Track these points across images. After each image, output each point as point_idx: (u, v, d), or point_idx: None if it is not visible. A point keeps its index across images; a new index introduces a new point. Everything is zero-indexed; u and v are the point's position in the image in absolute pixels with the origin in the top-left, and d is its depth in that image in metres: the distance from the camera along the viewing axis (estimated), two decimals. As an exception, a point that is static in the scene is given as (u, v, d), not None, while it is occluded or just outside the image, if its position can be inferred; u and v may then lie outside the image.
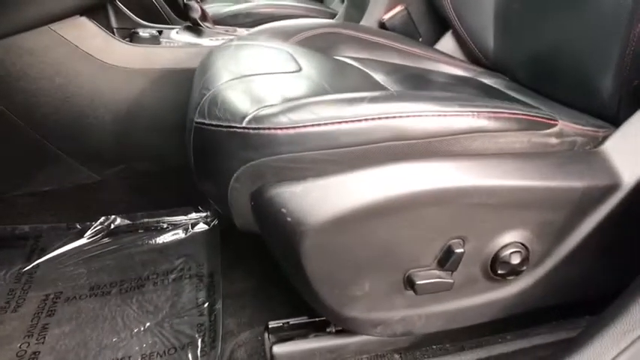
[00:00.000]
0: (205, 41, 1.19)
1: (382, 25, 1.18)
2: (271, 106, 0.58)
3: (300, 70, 0.75)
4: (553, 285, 0.69)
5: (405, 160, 0.56)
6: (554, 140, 0.64)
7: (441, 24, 1.18)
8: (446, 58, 1.08)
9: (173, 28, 1.25)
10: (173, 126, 1.06)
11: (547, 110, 0.68)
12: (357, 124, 0.54)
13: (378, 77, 0.86)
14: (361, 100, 0.56)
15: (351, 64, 0.92)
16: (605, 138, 0.68)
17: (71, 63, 0.98)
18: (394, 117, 0.55)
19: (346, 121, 0.54)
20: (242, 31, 1.28)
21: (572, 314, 0.81)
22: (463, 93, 0.82)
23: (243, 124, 0.56)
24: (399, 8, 1.17)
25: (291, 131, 0.54)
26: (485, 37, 1.06)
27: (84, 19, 0.99)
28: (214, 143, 0.60)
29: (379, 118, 0.54)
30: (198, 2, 1.25)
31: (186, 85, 0.79)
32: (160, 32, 1.20)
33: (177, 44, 1.14)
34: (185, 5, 1.22)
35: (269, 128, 0.55)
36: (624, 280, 0.60)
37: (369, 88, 0.79)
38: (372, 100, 0.56)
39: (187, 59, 1.06)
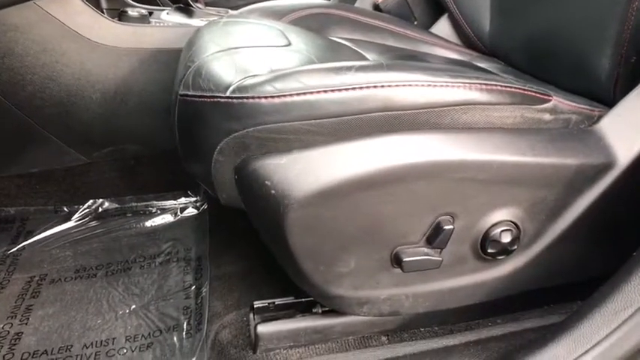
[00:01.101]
0: (196, 22, 1.17)
1: (377, 8, 1.16)
2: (256, 75, 0.56)
3: (289, 44, 0.73)
4: (545, 266, 0.67)
5: (393, 131, 0.54)
6: (547, 116, 0.62)
7: (436, 7, 1.16)
8: (441, 41, 1.06)
9: (164, 9, 1.22)
10: (162, 107, 1.04)
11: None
12: (343, 93, 0.52)
13: (370, 56, 0.84)
14: (349, 69, 0.54)
15: (343, 44, 0.90)
16: (600, 117, 0.66)
17: (57, 41, 0.96)
18: (382, 86, 0.53)
19: (332, 90, 0.52)
20: (234, 14, 1.26)
21: (565, 299, 0.80)
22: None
23: (227, 94, 0.54)
24: (394, -10, 1.15)
25: (276, 100, 0.52)
26: (481, 20, 1.04)
27: (71, -4, 0.97)
28: (198, 115, 0.58)
29: (367, 88, 0.52)
30: (189, -18, 1.23)
31: (176, 65, 0.76)
32: (151, 13, 1.18)
33: (167, 24, 1.12)
34: (176, -15, 1.20)
35: (253, 97, 0.53)
36: (617, 262, 0.58)
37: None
38: (360, 69, 0.54)
39: (177, 39, 1.04)
